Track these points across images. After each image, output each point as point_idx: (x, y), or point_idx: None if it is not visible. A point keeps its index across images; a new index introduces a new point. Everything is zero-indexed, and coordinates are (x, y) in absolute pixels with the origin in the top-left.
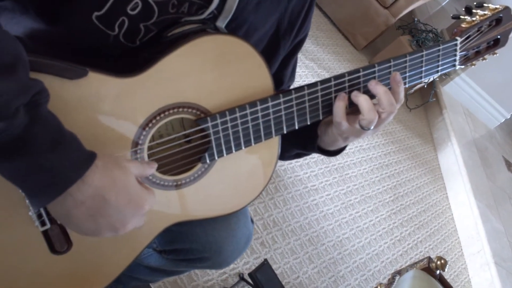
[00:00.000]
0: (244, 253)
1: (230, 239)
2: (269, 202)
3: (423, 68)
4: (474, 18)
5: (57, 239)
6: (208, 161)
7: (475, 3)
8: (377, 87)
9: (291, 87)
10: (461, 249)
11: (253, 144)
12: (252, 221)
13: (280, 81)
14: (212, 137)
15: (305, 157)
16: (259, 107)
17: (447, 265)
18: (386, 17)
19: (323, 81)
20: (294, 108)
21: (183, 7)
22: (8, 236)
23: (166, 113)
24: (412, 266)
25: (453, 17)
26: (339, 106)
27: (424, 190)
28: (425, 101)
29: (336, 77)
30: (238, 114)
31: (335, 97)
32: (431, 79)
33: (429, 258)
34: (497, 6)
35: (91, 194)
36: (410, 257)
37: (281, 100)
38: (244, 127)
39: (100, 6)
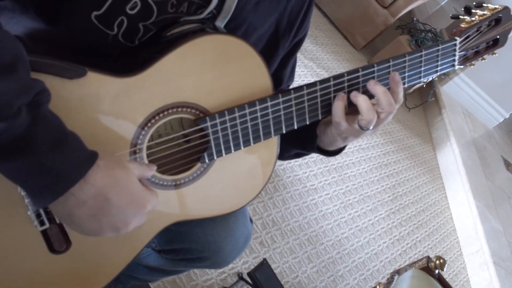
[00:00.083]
0: (243, 253)
1: (229, 238)
2: (268, 202)
3: (422, 68)
4: (473, 18)
5: (56, 239)
6: (207, 160)
7: (474, 3)
8: (376, 87)
9: (291, 86)
10: (460, 249)
11: (252, 144)
12: (251, 220)
13: (279, 81)
14: (211, 137)
15: (304, 157)
16: (258, 107)
17: (446, 265)
18: (385, 17)
19: (322, 81)
20: (293, 108)
21: (182, 6)
22: (7, 235)
23: (165, 112)
24: (411, 265)
25: (452, 17)
26: (338, 106)
27: (423, 190)
28: (424, 101)
29: (335, 77)
30: (237, 114)
31: (334, 97)
32: (430, 79)
33: (428, 258)
34: (497, 6)
35: (93, 194)
36: (409, 257)
37: (280, 100)
38: (243, 127)
39: (99, 5)
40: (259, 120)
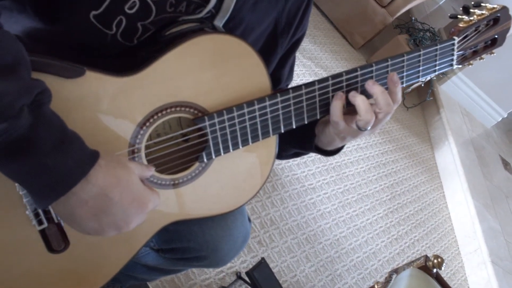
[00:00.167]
0: (242, 252)
1: (227, 238)
2: (267, 201)
3: (421, 68)
4: (471, 18)
5: (54, 238)
6: (205, 160)
7: (472, 3)
8: (374, 87)
9: (289, 86)
10: (458, 248)
11: (250, 143)
12: (249, 219)
13: (278, 80)
14: (210, 136)
15: (302, 156)
16: (256, 106)
17: (444, 264)
18: (383, 16)
19: (320, 81)
20: (292, 108)
21: (181, 6)
22: (5, 235)
23: (164, 112)
24: (409, 264)
25: (450, 17)
26: (336, 105)
27: (421, 189)
28: (422, 100)
29: (334, 77)
30: (235, 113)
31: (333, 96)
32: (428, 78)
33: (426, 257)
34: (495, 6)
35: (94, 193)
36: (407, 256)
37: (279, 99)
38: (241, 126)
39: (97, 5)
40: (258, 120)
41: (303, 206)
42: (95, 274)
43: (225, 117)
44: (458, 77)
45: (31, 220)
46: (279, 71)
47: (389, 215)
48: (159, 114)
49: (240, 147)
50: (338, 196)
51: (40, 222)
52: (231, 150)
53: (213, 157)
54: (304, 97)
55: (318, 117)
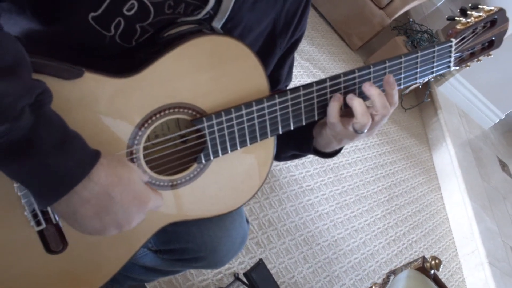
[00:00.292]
0: (240, 253)
1: (226, 239)
2: (265, 202)
3: (418, 69)
4: (469, 20)
5: (53, 239)
6: (203, 161)
7: (470, 5)
8: (371, 89)
9: (288, 87)
10: (456, 249)
11: (248, 145)
12: (247, 221)
13: (277, 81)
14: (208, 138)
15: (300, 158)
16: (254, 108)
17: (442, 265)
18: (381, 18)
19: (318, 82)
20: (290, 109)
21: (179, 7)
22: (3, 236)
23: (162, 113)
24: (406, 266)
25: (448, 19)
26: (334, 107)
27: (418, 190)
28: (420, 102)
29: (332, 78)
30: (233, 115)
31: (331, 97)
32: (426, 80)
33: (424, 258)
34: (492, 8)
35: (96, 192)
36: (405, 257)
37: (277, 100)
38: (239, 127)
39: (96, 7)
40: (256, 121)
41: (301, 207)
42: (94, 275)
43: (223, 118)
44: (455, 78)
45: (29, 221)
46: (278, 72)
47: (387, 216)
48: (158, 116)
49: (238, 148)
50: (336, 197)
51: (38, 223)
52: (229, 152)
53: (211, 158)
54: (302, 99)
55: (316, 118)
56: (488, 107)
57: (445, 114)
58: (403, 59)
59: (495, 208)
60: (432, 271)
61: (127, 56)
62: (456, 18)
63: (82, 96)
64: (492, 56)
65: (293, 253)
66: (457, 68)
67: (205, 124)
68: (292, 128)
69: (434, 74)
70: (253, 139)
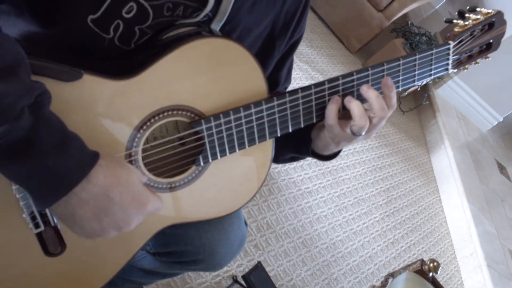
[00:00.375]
0: (238, 256)
1: (224, 241)
2: (263, 205)
3: (416, 72)
4: (466, 23)
5: (51, 241)
6: (202, 163)
7: (468, 7)
8: (369, 92)
9: (287, 89)
10: (454, 252)
11: (247, 147)
12: (245, 223)
13: (276, 83)
14: (206, 140)
15: (299, 160)
16: (253, 110)
17: (440, 268)
18: (380, 20)
19: (317, 84)
20: (288, 111)
21: (178, 10)
22: (1, 238)
23: (161, 115)
24: (405, 268)
25: (446, 21)
26: (332, 109)
27: (417, 193)
28: (419, 104)
29: (330, 80)
30: (232, 117)
31: (329, 100)
32: (424, 82)
33: (422, 261)
34: (490, 11)
35: (95, 193)
36: (403, 260)
37: (275, 103)
38: (238, 130)
39: (95, 9)
40: (254, 123)
41: (300, 210)
42: (92, 277)
43: (222, 120)
44: (454, 81)
45: (27, 223)
46: (276, 74)
47: (385, 219)
48: (156, 118)
49: (237, 150)
50: (335, 199)
51: (36, 225)
52: (227, 154)
53: (210, 160)
54: (300, 101)
55: (315, 121)
56: (486, 110)
57: (443, 116)
58: (401, 62)
59: (493, 210)
60: (431, 274)
61: (126, 58)
62: (454, 21)
63: (81, 98)
64: (490, 58)
65: (291, 256)
66: (455, 70)
67: (204, 127)
68: (290, 130)
69: (432, 77)
70: (252, 142)
